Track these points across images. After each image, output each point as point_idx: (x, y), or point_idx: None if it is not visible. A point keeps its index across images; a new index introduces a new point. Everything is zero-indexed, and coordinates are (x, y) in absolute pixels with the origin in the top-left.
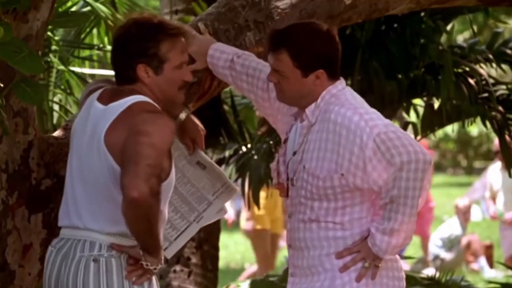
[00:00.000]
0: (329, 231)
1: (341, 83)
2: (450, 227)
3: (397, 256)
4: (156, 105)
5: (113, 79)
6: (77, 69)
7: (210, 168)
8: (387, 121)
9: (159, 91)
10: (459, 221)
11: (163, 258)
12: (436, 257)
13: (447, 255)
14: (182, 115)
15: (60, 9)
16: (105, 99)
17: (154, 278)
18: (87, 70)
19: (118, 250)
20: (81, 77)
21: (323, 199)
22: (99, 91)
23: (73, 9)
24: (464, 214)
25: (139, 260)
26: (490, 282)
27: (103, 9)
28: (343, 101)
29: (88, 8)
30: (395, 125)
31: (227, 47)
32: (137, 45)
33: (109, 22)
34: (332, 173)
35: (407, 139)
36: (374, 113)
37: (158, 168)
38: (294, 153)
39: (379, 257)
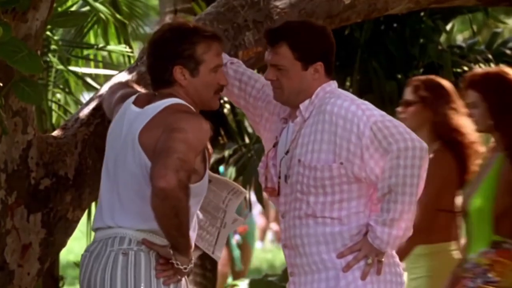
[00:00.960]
0: (327, 227)
1: (334, 83)
2: None
3: (395, 252)
4: (192, 107)
5: (118, 79)
6: (76, 69)
7: (215, 181)
8: (383, 112)
9: (195, 94)
10: None
11: (193, 258)
12: None
13: None
14: None
15: (59, 9)
16: (142, 102)
17: (183, 279)
18: (86, 70)
19: (148, 247)
20: (80, 77)
21: (319, 192)
22: (134, 96)
23: (73, 8)
24: None
25: (170, 260)
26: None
27: (102, 8)
28: (338, 94)
29: (87, 7)
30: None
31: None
32: (173, 47)
33: (107, 20)
34: (330, 163)
35: (403, 127)
36: (370, 105)
37: (188, 164)
38: (287, 152)
39: (381, 252)
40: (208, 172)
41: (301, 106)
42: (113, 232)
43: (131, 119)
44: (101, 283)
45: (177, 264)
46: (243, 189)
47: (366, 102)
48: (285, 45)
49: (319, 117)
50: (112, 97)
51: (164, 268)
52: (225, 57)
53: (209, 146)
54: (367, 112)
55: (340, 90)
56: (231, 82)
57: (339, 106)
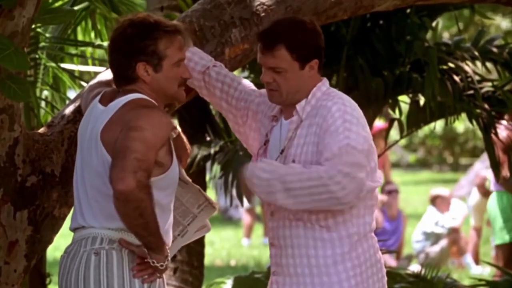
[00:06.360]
0: (316, 232)
1: (327, 81)
2: (429, 219)
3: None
4: (153, 101)
5: (106, 77)
6: (65, 65)
7: (190, 185)
8: (364, 134)
9: (159, 89)
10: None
11: (169, 255)
12: (420, 252)
13: (431, 250)
14: (174, 132)
15: (55, 5)
16: (106, 99)
17: (158, 280)
18: (74, 67)
19: (126, 247)
20: (71, 73)
21: None
22: (101, 94)
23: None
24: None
25: (146, 259)
26: (476, 279)
27: (97, 5)
28: (338, 98)
29: (84, 4)
30: (371, 141)
31: (204, 54)
32: (135, 44)
33: (101, 16)
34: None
35: (362, 166)
36: (358, 120)
37: (147, 163)
38: (282, 151)
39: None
40: (183, 173)
41: (298, 106)
42: (87, 232)
43: (96, 117)
44: (75, 284)
45: (153, 263)
46: (216, 204)
47: (355, 118)
48: (283, 47)
49: (315, 119)
50: (89, 95)
51: (141, 267)
52: (209, 59)
53: (189, 146)
54: (352, 135)
55: (336, 92)
56: (213, 84)
57: (331, 115)
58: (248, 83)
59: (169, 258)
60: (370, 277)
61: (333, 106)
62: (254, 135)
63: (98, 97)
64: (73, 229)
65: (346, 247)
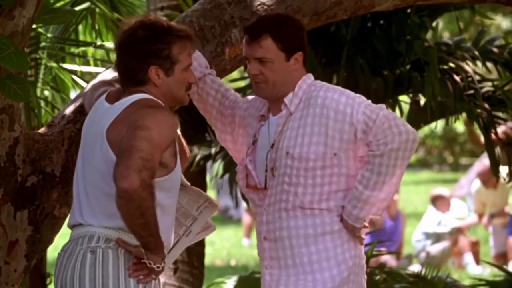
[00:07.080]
0: (316, 218)
1: (311, 75)
2: (430, 219)
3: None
4: (160, 102)
5: (107, 77)
6: (66, 65)
7: (189, 187)
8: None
9: (168, 93)
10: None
11: (174, 255)
12: (421, 252)
13: (432, 249)
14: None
15: (56, 5)
16: (112, 99)
17: (153, 281)
18: (75, 67)
19: (123, 247)
20: (74, 73)
21: (308, 183)
22: (106, 93)
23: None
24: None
25: (142, 259)
26: (476, 279)
27: (99, 5)
28: (326, 86)
29: (85, 4)
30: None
31: (203, 60)
32: (149, 46)
33: (101, 16)
34: (323, 155)
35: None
36: (357, 94)
37: (152, 162)
38: (272, 145)
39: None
40: (179, 166)
41: (286, 99)
42: (84, 230)
43: (101, 115)
44: (70, 282)
45: (150, 264)
46: (217, 202)
47: (354, 93)
48: (269, 37)
49: (308, 111)
50: (94, 94)
51: (137, 267)
52: (206, 65)
53: (187, 149)
54: (357, 99)
55: (321, 83)
56: (207, 91)
57: (330, 99)
58: (238, 95)
59: (165, 261)
60: (359, 274)
61: (327, 93)
62: (242, 140)
63: (104, 96)
64: (71, 226)
65: (345, 237)
